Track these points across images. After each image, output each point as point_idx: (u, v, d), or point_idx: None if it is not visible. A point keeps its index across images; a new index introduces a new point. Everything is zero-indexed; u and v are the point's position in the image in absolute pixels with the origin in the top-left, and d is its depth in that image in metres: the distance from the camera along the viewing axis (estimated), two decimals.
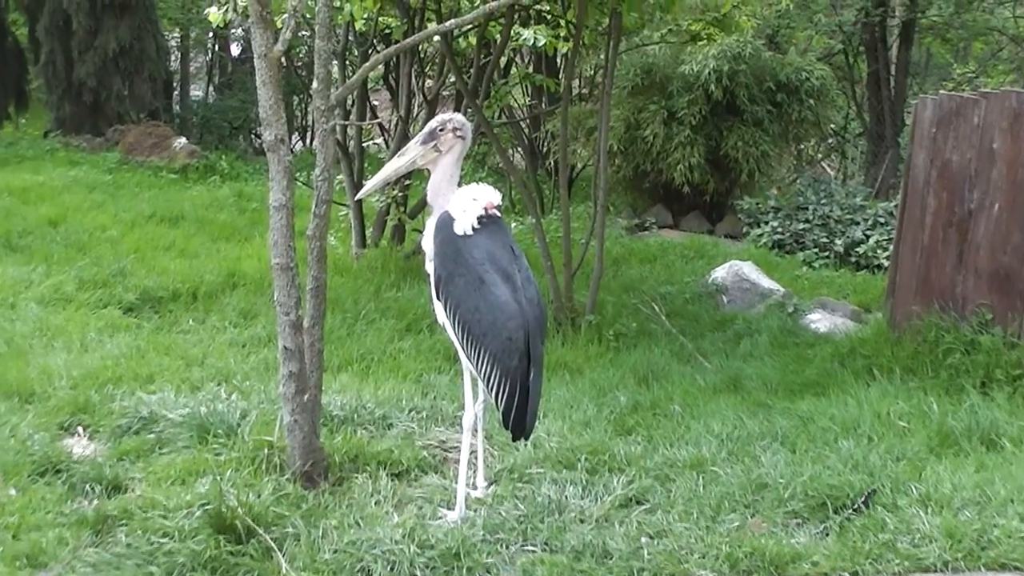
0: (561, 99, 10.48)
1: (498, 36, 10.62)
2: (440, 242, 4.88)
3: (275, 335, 5.51)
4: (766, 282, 11.03)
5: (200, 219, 13.10)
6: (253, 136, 23.46)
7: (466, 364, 4.95)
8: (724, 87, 14.61)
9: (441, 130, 4.96)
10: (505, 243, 4.91)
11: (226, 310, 9.16)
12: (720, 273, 11.25)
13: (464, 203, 4.88)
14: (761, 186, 16.15)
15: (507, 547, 4.83)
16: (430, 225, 5.00)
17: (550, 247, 9.74)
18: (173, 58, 24.74)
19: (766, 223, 14.40)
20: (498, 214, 4.94)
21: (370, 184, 5.35)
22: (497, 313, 4.70)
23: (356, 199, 10.56)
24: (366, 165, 12.04)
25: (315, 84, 5.24)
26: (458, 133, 4.97)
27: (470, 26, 10.53)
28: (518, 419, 4.75)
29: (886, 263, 11.69)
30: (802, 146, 20.00)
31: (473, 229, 4.82)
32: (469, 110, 10.33)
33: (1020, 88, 9.93)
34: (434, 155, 4.97)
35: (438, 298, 4.91)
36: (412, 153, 5.02)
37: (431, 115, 10.74)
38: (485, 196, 4.92)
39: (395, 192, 10.75)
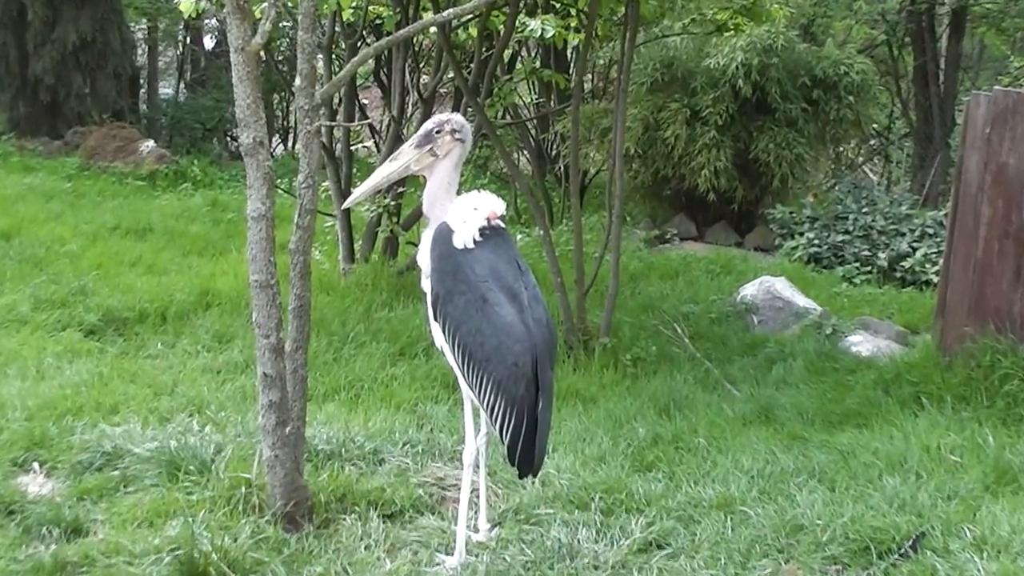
0: (572, 97, 10.50)
1: (501, 27, 10.65)
2: (437, 256, 4.89)
3: (253, 360, 5.52)
4: (801, 300, 11.03)
5: (170, 231, 13.13)
6: (229, 139, 23.49)
7: (467, 392, 4.96)
8: (753, 83, 14.62)
9: (438, 132, 4.97)
10: (510, 257, 4.92)
11: (199, 332, 9.17)
12: (750, 290, 11.26)
13: (464, 213, 4.89)
14: (795, 193, 16.14)
15: None
16: (426, 238, 5.00)
17: (560, 262, 9.74)
18: (140, 52, 24.78)
19: (801, 234, 14.40)
20: (502, 225, 4.95)
21: (359, 192, 5.36)
22: (501, 335, 4.71)
23: (343, 208, 10.57)
24: (355, 171, 12.06)
25: (298, 81, 5.26)
26: (457, 135, 4.98)
27: (470, 16, 10.57)
28: (525, 454, 4.75)
29: (935, 279, 11.70)
30: (841, 148, 19.99)
31: (474, 242, 4.83)
32: (469, 109, 10.35)
33: None
34: (430, 159, 4.98)
35: (436, 319, 4.92)
36: (406, 157, 5.02)
37: (427, 115, 10.77)
38: (487, 205, 4.93)
39: (387, 201, 10.77)
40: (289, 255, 5.26)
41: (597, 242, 11.51)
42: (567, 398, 8.10)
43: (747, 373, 9.13)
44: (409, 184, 10.88)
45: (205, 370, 8.24)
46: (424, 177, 5.07)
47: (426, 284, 4.98)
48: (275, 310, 5.17)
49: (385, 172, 5.13)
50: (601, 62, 18.10)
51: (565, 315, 9.35)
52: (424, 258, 4.99)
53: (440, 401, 7.78)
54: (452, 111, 8.45)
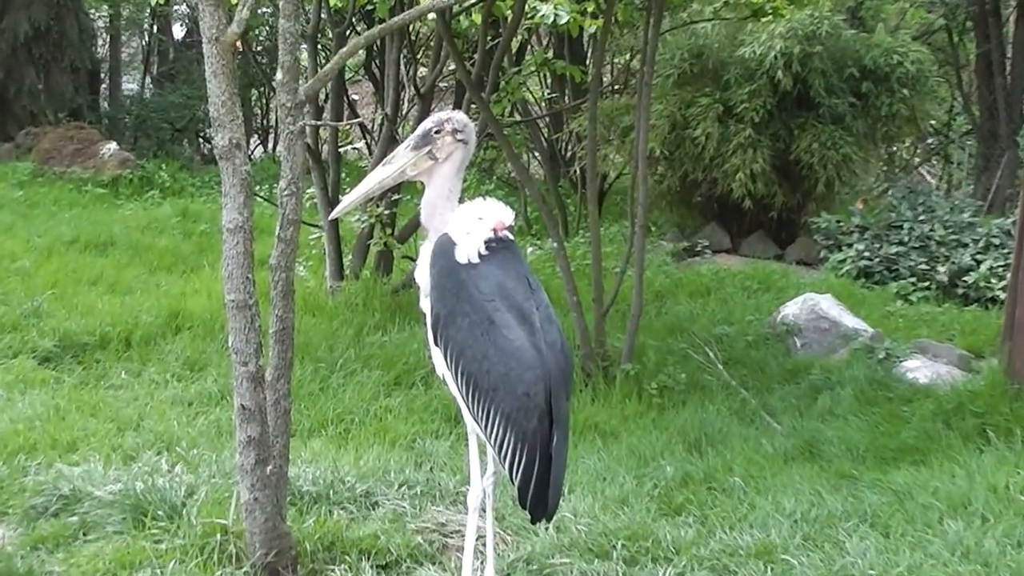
0: (589, 91, 10.52)
1: (509, 13, 10.68)
2: (438, 273, 4.87)
3: (229, 391, 5.52)
4: (850, 320, 11.03)
5: (135, 245, 13.17)
6: (201, 140, 23.57)
7: (472, 426, 4.94)
8: (794, 75, 14.65)
9: (437, 132, 4.95)
10: (519, 273, 4.90)
11: (168, 360, 9.20)
12: (791, 309, 11.26)
13: (467, 223, 4.87)
14: (842, 199, 16.15)
15: None
16: (425, 251, 4.99)
17: (576, 278, 9.75)
18: (100, 43, 24.90)
19: (849, 246, 14.40)
20: (510, 237, 4.94)
21: (348, 200, 5.34)
22: (510, 362, 4.69)
23: (331, 218, 10.60)
24: (344, 176, 12.09)
25: (279, 74, 5.28)
26: (459, 136, 4.97)
27: (474, 0, 10.59)
28: (538, 495, 4.74)
29: (1002, 295, 11.68)
30: (894, 148, 20.04)
31: (479, 256, 4.81)
32: (473, 106, 10.38)
33: None
34: (429, 163, 4.96)
35: (436, 343, 4.90)
36: (401, 161, 5.00)
37: (425, 113, 10.80)
38: (494, 215, 4.91)
39: (380, 209, 10.79)
40: (270, 271, 5.26)
41: (618, 256, 11.53)
42: (585, 432, 8.10)
43: (789, 403, 9.13)
44: (405, 191, 10.91)
45: (175, 402, 8.26)
46: (422, 183, 5.06)
47: (425, 304, 4.95)
48: (254, 334, 5.17)
49: (378, 178, 5.11)
50: (622, 52, 18.14)
51: (582, 338, 9.36)
52: (423, 275, 4.97)
53: (441, 436, 7.79)
54: (453, 108, 8.48)
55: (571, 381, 5.05)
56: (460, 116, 5.01)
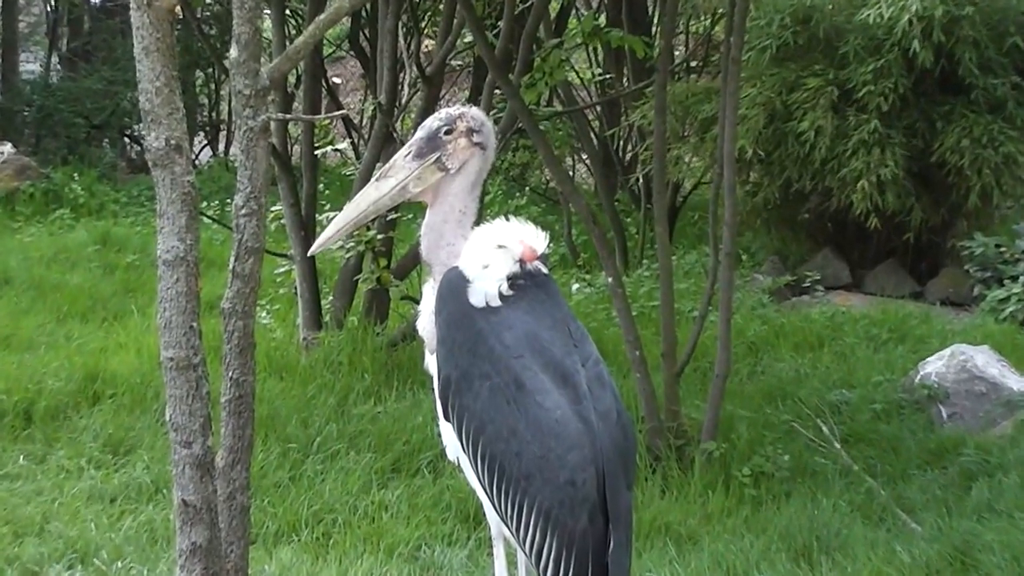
0: (656, 71, 10.56)
1: None
2: (446, 321, 4.84)
3: (166, 481, 5.55)
4: (1015, 381, 11.01)
5: (37, 283, 13.25)
6: (127, 140, 23.67)
7: (498, 528, 4.93)
8: (936, 46, 14.60)
9: (448, 132, 4.93)
10: (556, 319, 4.87)
11: (82, 439, 9.24)
12: (935, 367, 11.24)
13: (485, 253, 4.82)
14: (1004, 215, 16.10)
15: None
16: (429, 293, 4.98)
17: (639, 325, 9.77)
18: None
19: (1014, 279, 14.36)
20: (544, 270, 4.92)
21: (332, 229, 5.13)
22: (548, 439, 4.67)
23: (310, 254, 10.64)
24: (322, 188, 12.14)
25: (234, 51, 5.33)
26: (475, 137, 4.94)
27: None
28: None
29: None
30: None
31: (501, 297, 4.77)
32: (498, 91, 10.43)
33: None
34: (438, 175, 4.92)
35: (447, 416, 4.89)
36: (401, 174, 4.90)
37: (432, 101, 10.87)
38: (520, 241, 4.89)
39: (372, 234, 10.80)
40: (222, 318, 5.29)
41: (696, 294, 11.55)
42: (652, 535, 8.11)
43: (932, 495, 9.12)
44: (405, 209, 10.95)
45: (92, 497, 8.29)
46: (426, 202, 5.02)
47: (432, 363, 4.97)
48: (200, 404, 5.20)
49: (371, 198, 5.00)
50: (701, 17, 18.19)
51: (648, 407, 9.37)
52: (427, 323, 4.99)
53: (455, 542, 7.81)
54: (470, 94, 8.52)
55: (633, 464, 4.99)
56: (475, 112, 4.90)
